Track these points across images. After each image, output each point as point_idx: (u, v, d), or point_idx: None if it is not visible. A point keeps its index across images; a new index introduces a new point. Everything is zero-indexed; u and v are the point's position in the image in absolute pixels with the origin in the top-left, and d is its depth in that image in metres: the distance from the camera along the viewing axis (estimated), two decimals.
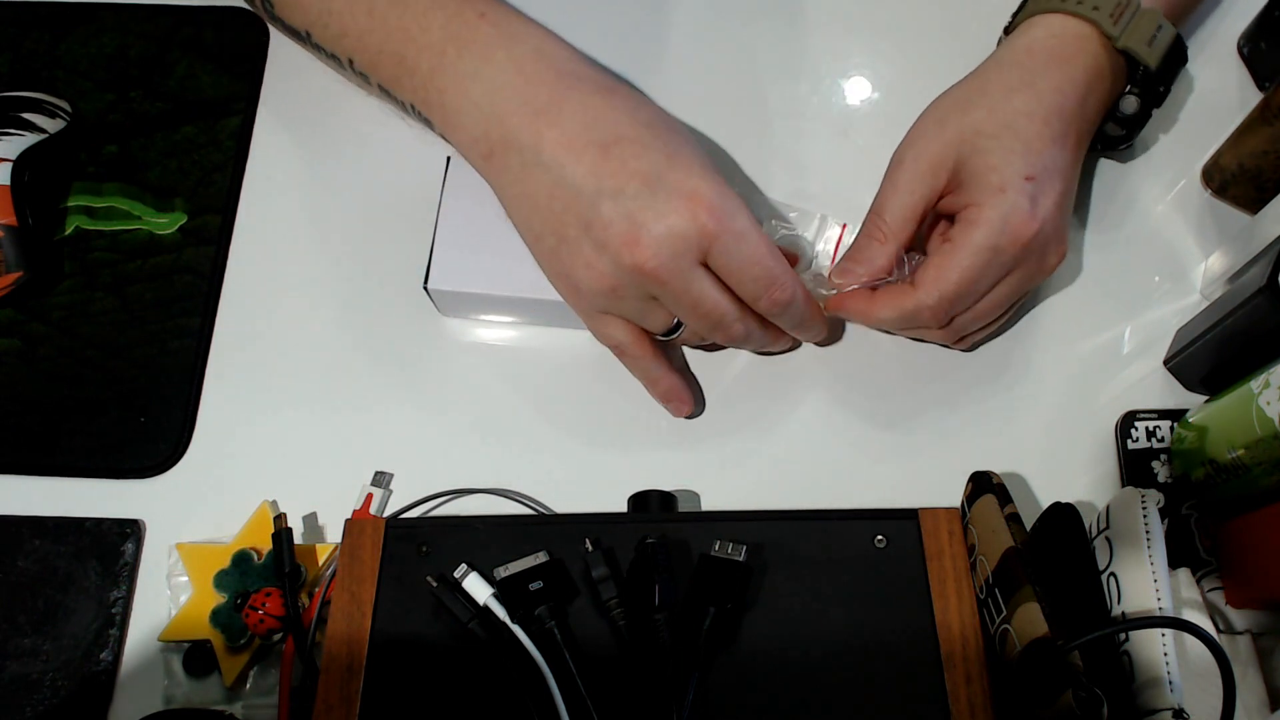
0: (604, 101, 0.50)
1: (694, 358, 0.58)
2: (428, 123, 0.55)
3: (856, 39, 0.65)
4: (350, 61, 0.56)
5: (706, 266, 0.49)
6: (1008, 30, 0.57)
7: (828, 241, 0.58)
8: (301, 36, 0.58)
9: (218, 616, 0.51)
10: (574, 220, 0.49)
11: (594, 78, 0.51)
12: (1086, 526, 0.49)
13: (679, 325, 0.52)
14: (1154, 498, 0.47)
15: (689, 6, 0.66)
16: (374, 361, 0.58)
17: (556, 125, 0.49)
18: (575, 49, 0.53)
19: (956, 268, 0.50)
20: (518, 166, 0.50)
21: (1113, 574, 0.47)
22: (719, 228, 0.47)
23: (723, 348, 0.58)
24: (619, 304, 0.50)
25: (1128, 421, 0.55)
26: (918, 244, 0.54)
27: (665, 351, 0.54)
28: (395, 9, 0.53)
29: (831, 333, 0.57)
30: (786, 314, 0.51)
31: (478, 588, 0.48)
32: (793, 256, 0.55)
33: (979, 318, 0.53)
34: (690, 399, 0.55)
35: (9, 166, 0.59)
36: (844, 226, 0.59)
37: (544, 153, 0.49)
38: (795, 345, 0.57)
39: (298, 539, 0.53)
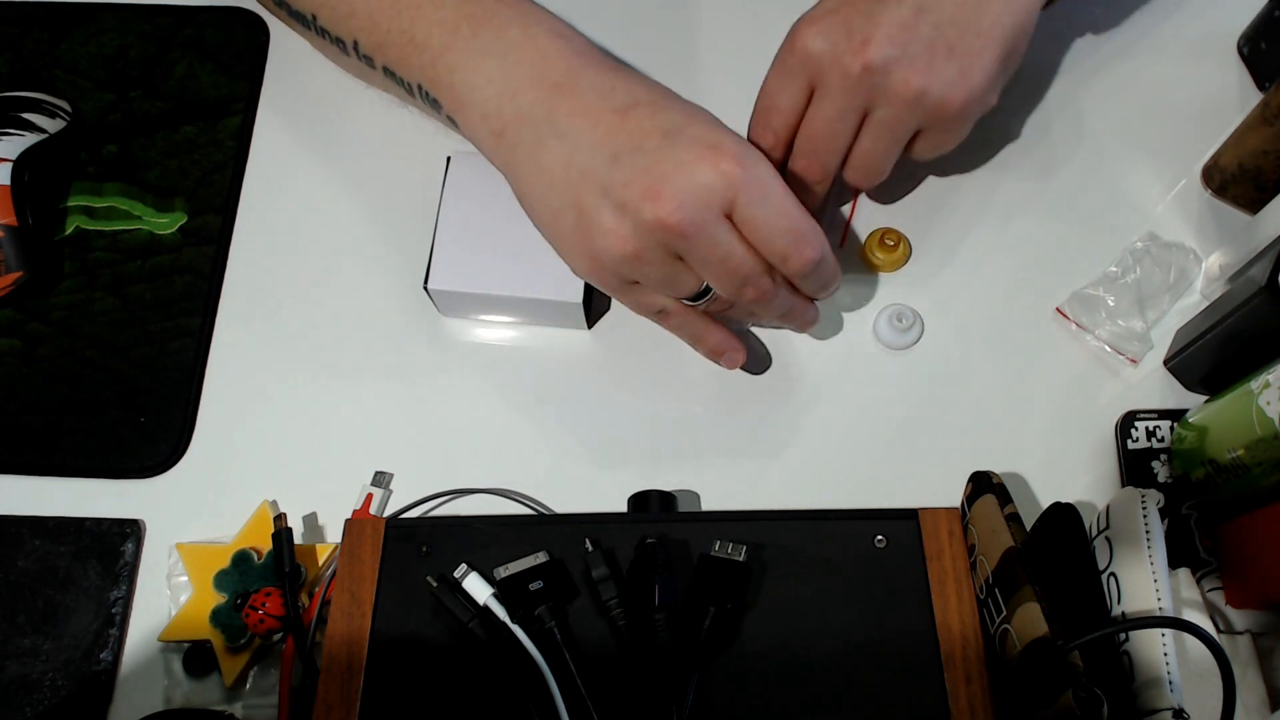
0: (619, 75, 0.50)
1: (693, 359, 0.58)
2: (435, 104, 0.53)
3: None
4: (355, 44, 0.55)
5: (730, 222, 0.47)
6: None
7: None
8: (306, 20, 0.57)
9: (218, 616, 0.51)
10: (591, 187, 0.47)
11: (607, 59, 0.51)
12: (1086, 526, 0.49)
13: (706, 291, 0.50)
14: (1154, 498, 0.47)
15: (704, 8, 0.66)
16: (374, 362, 0.58)
17: (572, 96, 0.49)
18: (588, 38, 0.53)
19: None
20: (532, 141, 0.49)
21: (1113, 574, 0.47)
22: (744, 176, 0.46)
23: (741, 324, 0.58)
24: (643, 271, 0.48)
25: (1128, 421, 0.55)
26: None
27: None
28: None
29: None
30: (815, 274, 0.49)
31: (478, 588, 0.48)
32: None
33: (812, 144, 0.52)
34: (741, 347, 0.54)
35: (9, 166, 0.59)
36: (857, 193, 0.60)
37: (559, 123, 0.48)
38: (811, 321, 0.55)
39: (298, 539, 0.53)
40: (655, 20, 0.66)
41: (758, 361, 0.57)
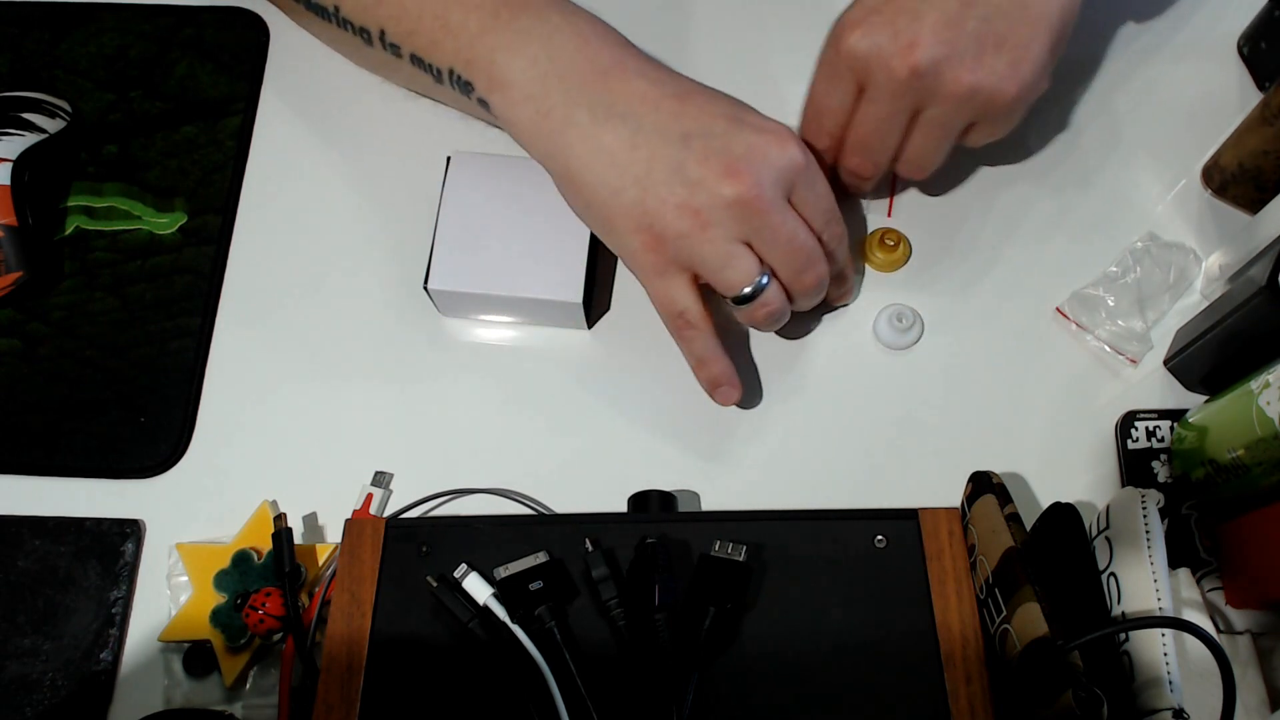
0: (660, 68, 0.51)
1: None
2: (467, 86, 0.53)
3: None
4: (382, 32, 0.55)
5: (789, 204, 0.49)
6: None
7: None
8: (327, 13, 0.57)
9: (218, 616, 0.51)
10: (661, 164, 0.48)
11: (643, 54, 0.52)
12: (1086, 526, 0.49)
13: (757, 290, 0.50)
14: (1154, 498, 0.47)
15: (704, 10, 0.66)
16: (374, 361, 0.58)
17: (625, 82, 0.50)
18: None
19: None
20: (587, 123, 0.49)
21: (1113, 574, 0.47)
22: (805, 161, 0.49)
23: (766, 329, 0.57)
24: (704, 250, 0.49)
25: (1128, 421, 0.55)
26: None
27: (721, 333, 0.53)
28: None
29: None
30: (839, 250, 0.53)
31: (478, 588, 0.48)
32: None
33: (863, 143, 0.53)
34: (740, 386, 0.54)
35: (9, 166, 0.59)
36: (896, 178, 0.61)
37: (618, 106, 0.49)
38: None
39: (298, 539, 0.53)
40: (652, 19, 0.66)
41: (751, 397, 0.57)
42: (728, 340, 0.54)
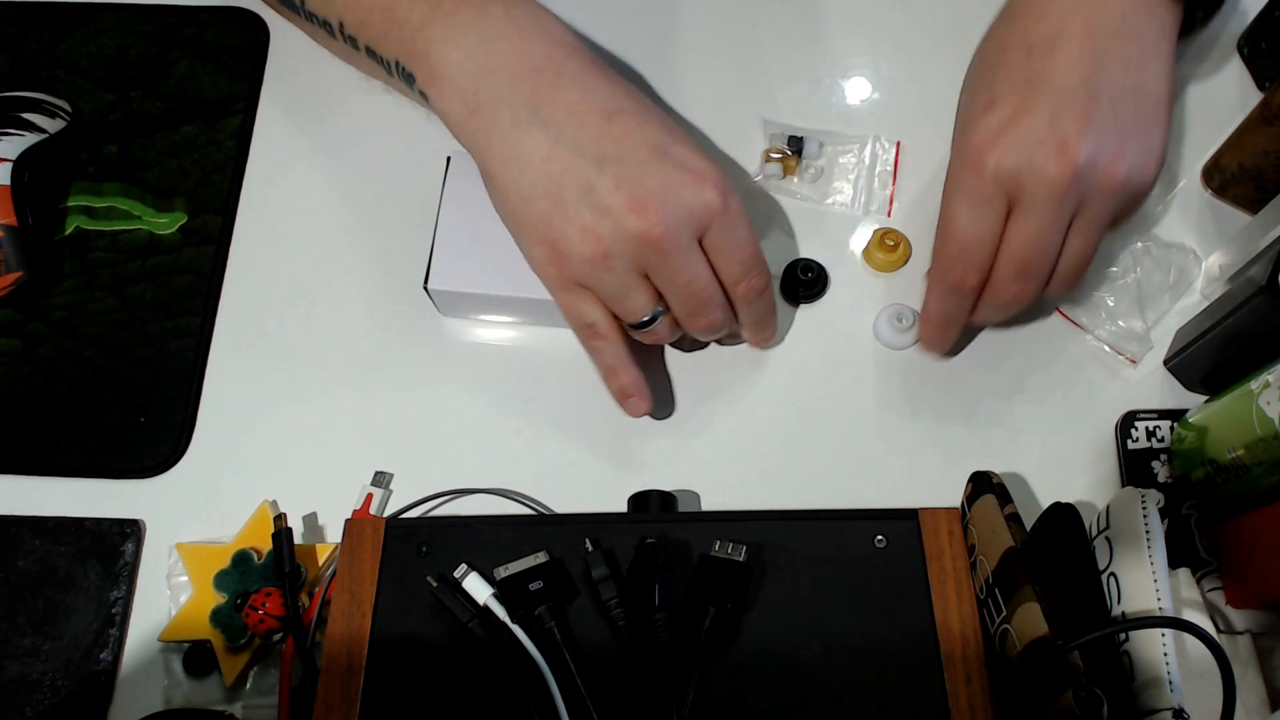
0: (600, 74, 0.50)
1: (693, 360, 0.58)
2: (409, 78, 0.53)
3: (861, 38, 0.65)
4: (340, 24, 0.55)
5: (699, 247, 0.49)
6: None
7: (886, 162, 0.61)
8: (295, 6, 0.58)
9: (218, 616, 0.51)
10: (573, 182, 0.48)
11: (588, 53, 0.51)
12: (1086, 526, 0.49)
13: (652, 319, 0.50)
14: (1154, 498, 0.47)
15: (697, 8, 0.66)
16: (374, 362, 0.58)
17: (554, 86, 0.49)
18: (568, 25, 0.53)
19: (942, 213, 0.51)
20: (509, 124, 0.49)
21: (1113, 574, 0.47)
22: (723, 205, 0.48)
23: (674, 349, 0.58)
24: (603, 276, 0.49)
25: (1128, 421, 0.55)
26: None
27: (632, 343, 0.53)
28: None
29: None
30: (757, 303, 0.52)
31: (478, 588, 0.48)
32: None
33: (1025, 265, 0.50)
34: (650, 398, 0.53)
35: (9, 166, 0.59)
36: (898, 144, 0.61)
37: (542, 111, 0.48)
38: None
39: (298, 539, 0.53)
40: (647, 17, 0.66)
41: (663, 407, 0.57)
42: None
